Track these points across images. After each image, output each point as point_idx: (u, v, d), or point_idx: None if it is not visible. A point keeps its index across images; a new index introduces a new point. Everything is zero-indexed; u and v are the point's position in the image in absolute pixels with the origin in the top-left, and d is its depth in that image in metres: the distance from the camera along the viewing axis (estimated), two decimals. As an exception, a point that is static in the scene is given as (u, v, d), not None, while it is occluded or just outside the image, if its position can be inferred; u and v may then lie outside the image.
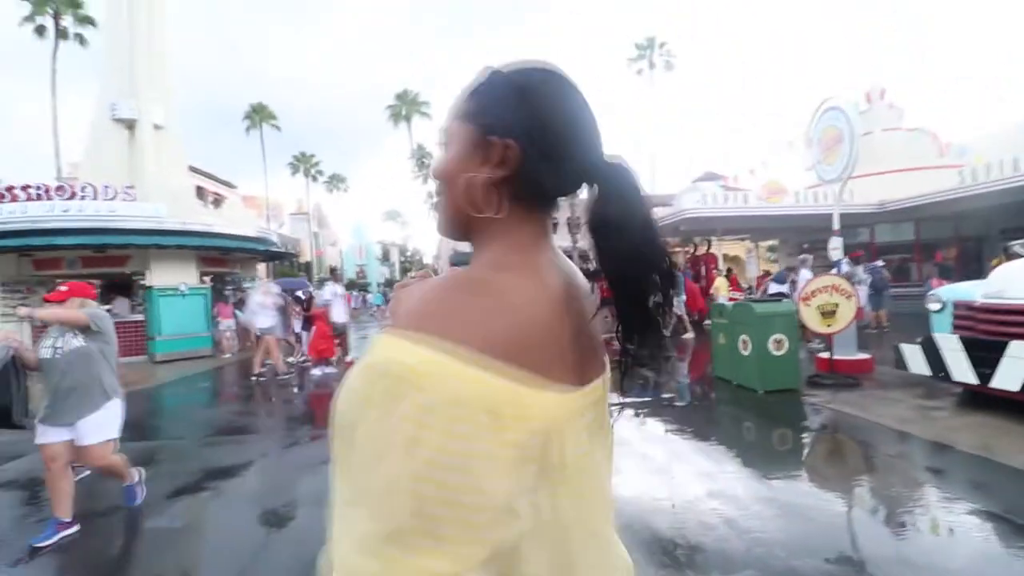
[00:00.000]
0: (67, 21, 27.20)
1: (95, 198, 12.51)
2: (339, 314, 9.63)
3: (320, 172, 45.24)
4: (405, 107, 38.91)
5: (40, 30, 26.77)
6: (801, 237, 16.78)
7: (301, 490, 3.78)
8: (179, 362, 11.00)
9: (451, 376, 0.42)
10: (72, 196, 12.18)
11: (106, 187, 12.71)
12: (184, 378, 9.11)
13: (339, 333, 9.94)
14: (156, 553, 2.90)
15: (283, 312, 9.40)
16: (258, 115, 37.69)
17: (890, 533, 2.82)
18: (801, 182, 16.13)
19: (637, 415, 5.34)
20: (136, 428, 6.11)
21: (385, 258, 54.42)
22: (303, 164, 43.39)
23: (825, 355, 6.42)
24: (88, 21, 27.09)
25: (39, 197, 11.99)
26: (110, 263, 12.86)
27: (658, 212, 16.86)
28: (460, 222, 0.60)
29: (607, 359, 0.64)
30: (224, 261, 16.03)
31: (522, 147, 0.55)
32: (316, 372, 8.73)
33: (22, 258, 12.39)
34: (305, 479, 3.98)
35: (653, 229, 0.57)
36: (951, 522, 2.83)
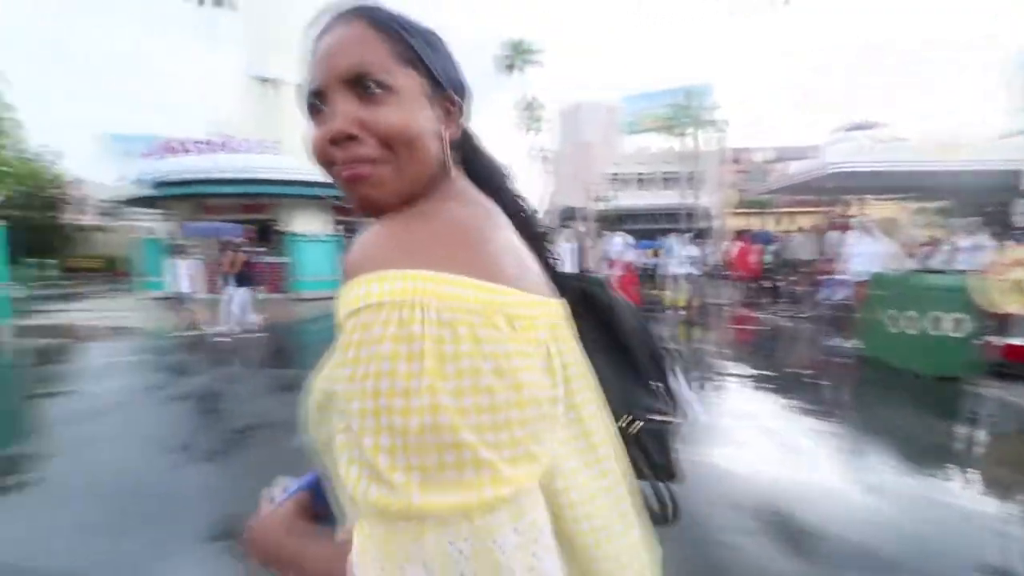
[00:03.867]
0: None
1: (248, 152, 14.04)
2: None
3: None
4: (517, 57, 38.19)
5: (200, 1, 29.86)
6: (978, 198, 14.12)
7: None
8: (318, 301, 12.14)
9: (453, 291, 0.40)
10: (230, 151, 13.77)
11: (257, 142, 14.18)
12: (324, 315, 10.09)
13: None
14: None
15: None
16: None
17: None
18: (978, 134, 13.39)
19: (761, 388, 4.98)
20: (282, 358, 6.98)
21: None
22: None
23: (1015, 340, 5.39)
24: (238, -13, 29.64)
25: (202, 151, 13.72)
26: (255, 210, 14.51)
27: (797, 167, 15.17)
28: (419, 191, 0.52)
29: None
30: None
31: (462, 103, 0.56)
32: None
33: (194, 204, 14.42)
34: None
35: (508, 173, 0.64)
36: None
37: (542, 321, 0.47)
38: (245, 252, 7.97)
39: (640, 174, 24.55)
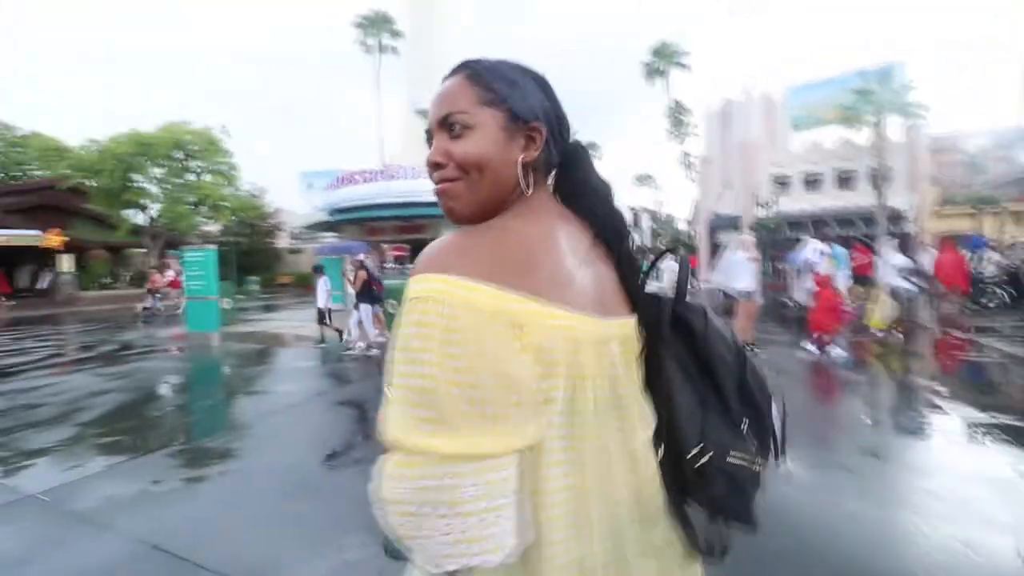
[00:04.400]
0: (385, 38, 33.90)
1: (405, 178, 15.33)
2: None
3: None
4: (662, 62, 36.69)
5: (368, 49, 34.06)
6: None
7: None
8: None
9: (465, 294, 0.51)
10: (390, 178, 15.15)
11: (412, 168, 15.40)
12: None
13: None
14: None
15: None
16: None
17: None
18: None
19: (1012, 441, 3.69)
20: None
21: (634, 224, 53.73)
22: (561, 135, 45.50)
23: None
24: (399, 35, 33.31)
25: (368, 180, 15.27)
26: (413, 230, 15.69)
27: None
28: (495, 204, 0.64)
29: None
30: (495, 228, 18.12)
31: (548, 129, 0.66)
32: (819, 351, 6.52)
33: (361, 227, 16.13)
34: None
35: (611, 192, 0.71)
36: None
37: (558, 333, 0.55)
38: (365, 271, 8.00)
39: (809, 174, 21.53)
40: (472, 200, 0.63)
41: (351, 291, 8.53)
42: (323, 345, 8.36)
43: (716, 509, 0.66)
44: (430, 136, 0.67)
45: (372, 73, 34.26)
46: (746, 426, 0.67)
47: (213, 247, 10.14)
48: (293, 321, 12.42)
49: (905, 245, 7.92)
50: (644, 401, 0.66)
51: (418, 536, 0.48)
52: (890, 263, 7.14)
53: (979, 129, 18.99)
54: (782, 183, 21.44)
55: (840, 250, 12.21)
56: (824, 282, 6.95)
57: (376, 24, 33.68)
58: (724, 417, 0.66)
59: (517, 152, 0.63)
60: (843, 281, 11.73)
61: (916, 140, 19.79)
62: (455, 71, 0.67)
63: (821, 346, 6.54)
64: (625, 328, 0.64)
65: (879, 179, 18.01)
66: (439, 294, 0.50)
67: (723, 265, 7.58)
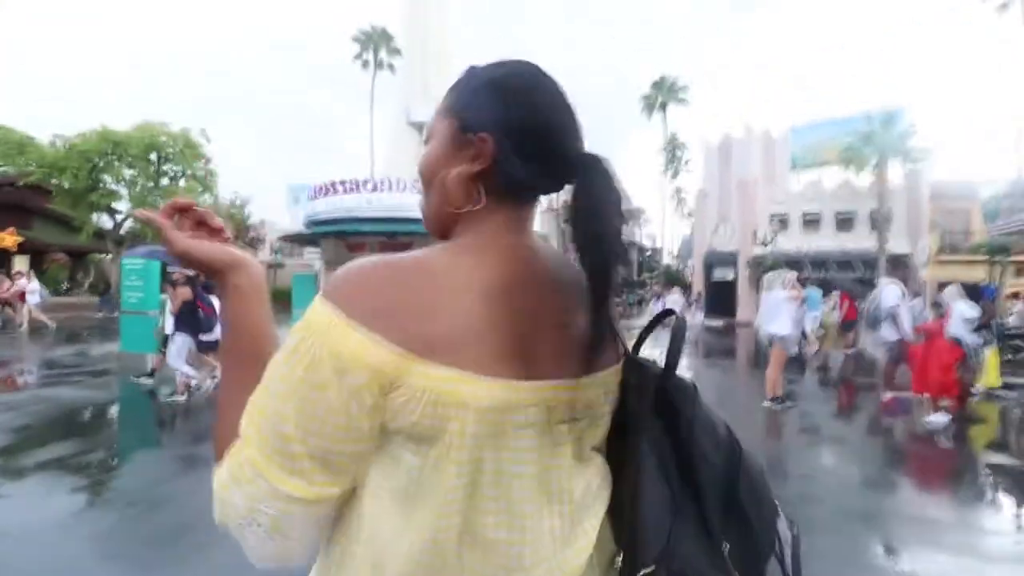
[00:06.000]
0: (382, 54, 33.48)
1: (391, 190, 14.32)
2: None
3: (569, 171, 46.66)
4: (662, 95, 36.76)
5: (365, 64, 33.57)
6: None
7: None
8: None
9: (336, 334, 0.47)
10: (373, 190, 14.15)
11: (398, 180, 14.46)
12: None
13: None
14: None
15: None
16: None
17: None
18: None
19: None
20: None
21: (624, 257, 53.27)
22: (554, 163, 45.31)
23: None
24: (397, 52, 32.92)
25: (350, 191, 14.24)
26: (398, 247, 14.61)
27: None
28: (443, 217, 0.60)
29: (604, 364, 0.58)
30: (485, 251, 17.09)
31: (496, 140, 0.56)
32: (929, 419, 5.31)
33: (339, 241, 15.02)
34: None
35: (618, 225, 0.57)
36: None
37: (412, 382, 0.48)
38: (189, 288, 5.94)
39: (807, 214, 21.07)
40: (429, 213, 0.62)
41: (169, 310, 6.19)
42: (145, 380, 6.50)
43: None
44: None
45: (368, 88, 33.70)
46: (728, 549, 0.55)
47: (158, 255, 8.88)
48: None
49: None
50: (571, 481, 0.56)
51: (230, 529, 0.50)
52: (960, 313, 6.00)
53: (987, 177, 18.59)
54: (781, 221, 20.94)
55: (814, 292, 11.44)
56: (935, 331, 5.70)
57: (375, 40, 33.23)
58: (700, 532, 0.55)
59: (461, 165, 0.57)
60: (810, 324, 10.89)
61: (917, 185, 19.50)
62: None
63: (937, 410, 5.32)
64: (551, 391, 0.54)
65: (880, 222, 17.53)
66: (319, 326, 0.48)
67: (763, 304, 6.46)
